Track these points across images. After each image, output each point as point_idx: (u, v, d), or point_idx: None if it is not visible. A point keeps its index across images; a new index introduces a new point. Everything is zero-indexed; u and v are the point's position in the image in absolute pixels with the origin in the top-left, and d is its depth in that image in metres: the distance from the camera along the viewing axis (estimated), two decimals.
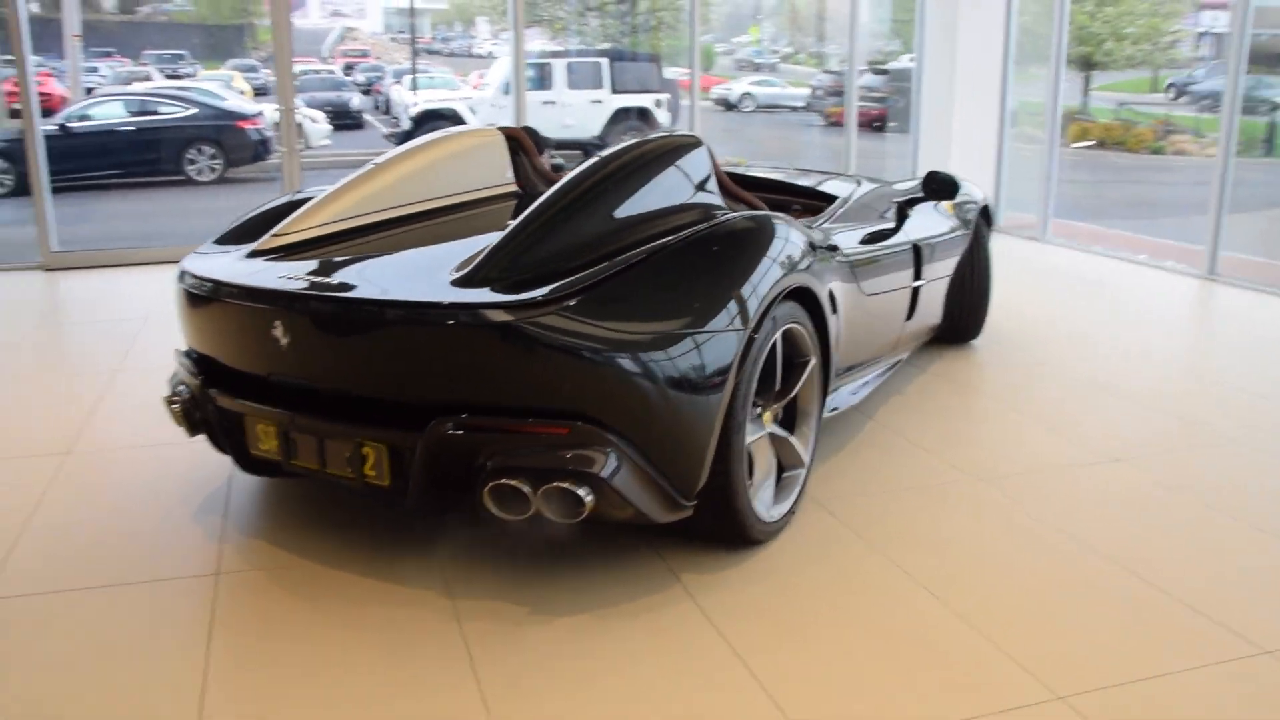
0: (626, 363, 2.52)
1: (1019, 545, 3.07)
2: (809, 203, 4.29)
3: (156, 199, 12.48)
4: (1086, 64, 15.29)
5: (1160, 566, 2.92)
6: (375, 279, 2.91)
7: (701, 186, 3.20)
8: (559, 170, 4.07)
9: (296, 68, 24.51)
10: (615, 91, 14.17)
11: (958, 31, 8.68)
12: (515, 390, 2.53)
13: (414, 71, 19.27)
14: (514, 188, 3.91)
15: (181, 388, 3.12)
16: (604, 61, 14.28)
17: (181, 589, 2.80)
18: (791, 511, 3.11)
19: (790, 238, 3.06)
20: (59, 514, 3.28)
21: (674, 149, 3.21)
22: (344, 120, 17.65)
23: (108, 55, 29.46)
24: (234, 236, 3.41)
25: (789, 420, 3.19)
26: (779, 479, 3.11)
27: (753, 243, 2.94)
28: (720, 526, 2.87)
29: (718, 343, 2.66)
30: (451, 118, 13.83)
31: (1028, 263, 7.75)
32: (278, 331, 2.69)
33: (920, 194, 4.47)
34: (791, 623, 2.62)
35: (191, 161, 12.85)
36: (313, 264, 2.98)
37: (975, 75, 8.76)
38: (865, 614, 2.67)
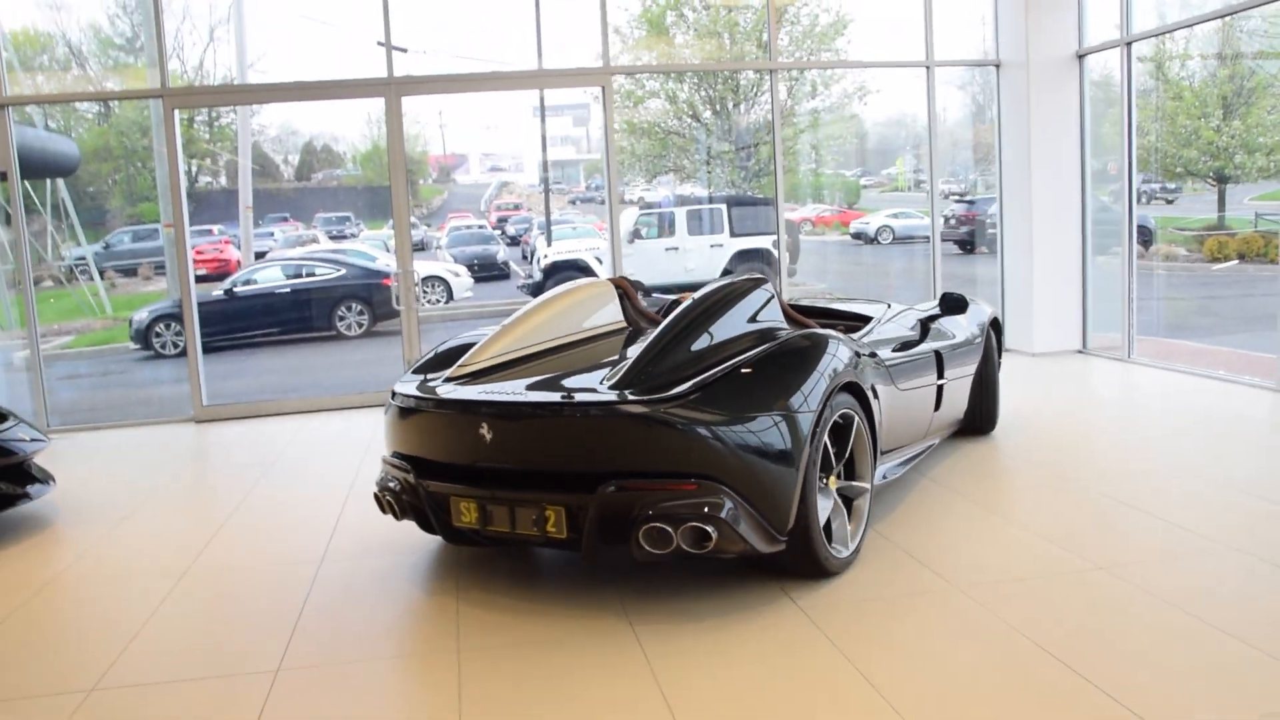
0: (732, 436, 3.60)
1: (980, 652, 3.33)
2: (850, 323, 5.29)
3: (309, 354, 13.72)
4: (1219, 178, 15.09)
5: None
6: (547, 388, 4.03)
7: (768, 314, 4.34)
8: (656, 310, 5.27)
9: (452, 223, 26.15)
10: (734, 235, 14.78)
11: (1031, 159, 8.87)
12: (655, 459, 3.60)
13: (548, 223, 20.47)
14: (623, 324, 5.04)
15: (393, 482, 4.16)
16: (723, 207, 14.94)
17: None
18: (855, 555, 4.13)
19: (838, 348, 4.14)
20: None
21: (746, 288, 4.35)
22: (490, 271, 18.83)
23: (284, 220, 32.31)
24: (420, 369, 4.57)
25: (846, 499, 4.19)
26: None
27: (813, 351, 4.02)
28: (803, 560, 3.88)
29: (795, 420, 3.74)
30: (579, 267, 14.69)
31: (1102, 381, 7.82)
32: (483, 430, 3.77)
33: (938, 310, 5.73)
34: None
35: (341, 318, 14.09)
36: (499, 384, 4.12)
37: (1050, 199, 8.90)
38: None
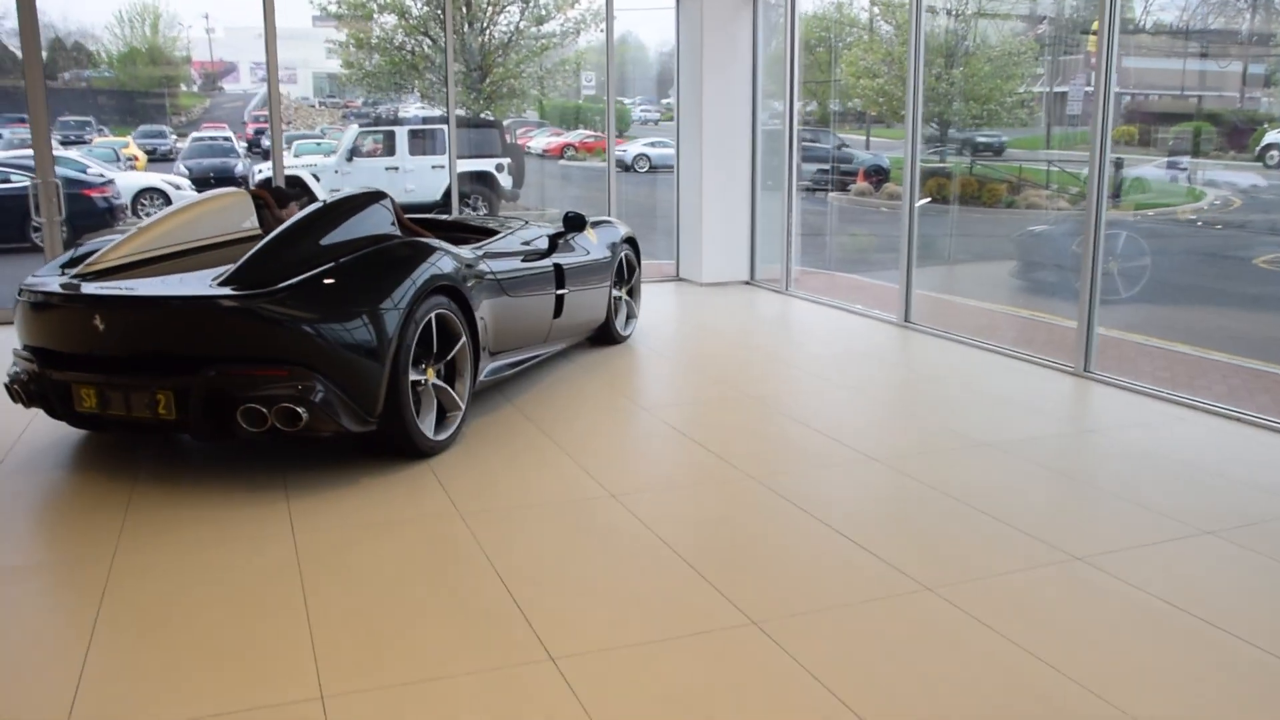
0: (322, 329, 4.07)
1: None
2: (479, 237, 5.81)
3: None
4: (941, 123, 15.92)
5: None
6: (162, 287, 4.31)
7: (382, 224, 4.78)
8: None
9: (194, 135, 24.44)
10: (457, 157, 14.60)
11: (703, 94, 9.10)
12: (251, 348, 4.05)
13: (257, 137, 19.66)
14: (257, 231, 5.17)
15: (21, 372, 4.44)
16: (444, 128, 14.71)
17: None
18: (451, 439, 4.66)
19: (440, 257, 4.62)
20: None
21: (363, 201, 4.80)
22: (228, 185, 17.91)
23: (20, 122, 29.54)
24: (60, 267, 4.74)
25: (450, 378, 4.73)
26: (444, 417, 4.67)
27: (410, 259, 4.48)
28: (397, 440, 4.39)
29: (381, 317, 4.21)
30: (296, 183, 14.16)
31: (739, 306, 8.25)
32: (96, 321, 4.08)
33: (562, 229, 6.24)
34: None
35: (36, 229, 13.10)
36: (119, 281, 4.39)
37: (720, 133, 9.20)
38: None
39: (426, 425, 4.53)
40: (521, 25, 15.96)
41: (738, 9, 9.03)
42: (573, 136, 20.64)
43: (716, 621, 3.04)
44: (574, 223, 6.33)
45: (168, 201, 15.23)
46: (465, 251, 5.05)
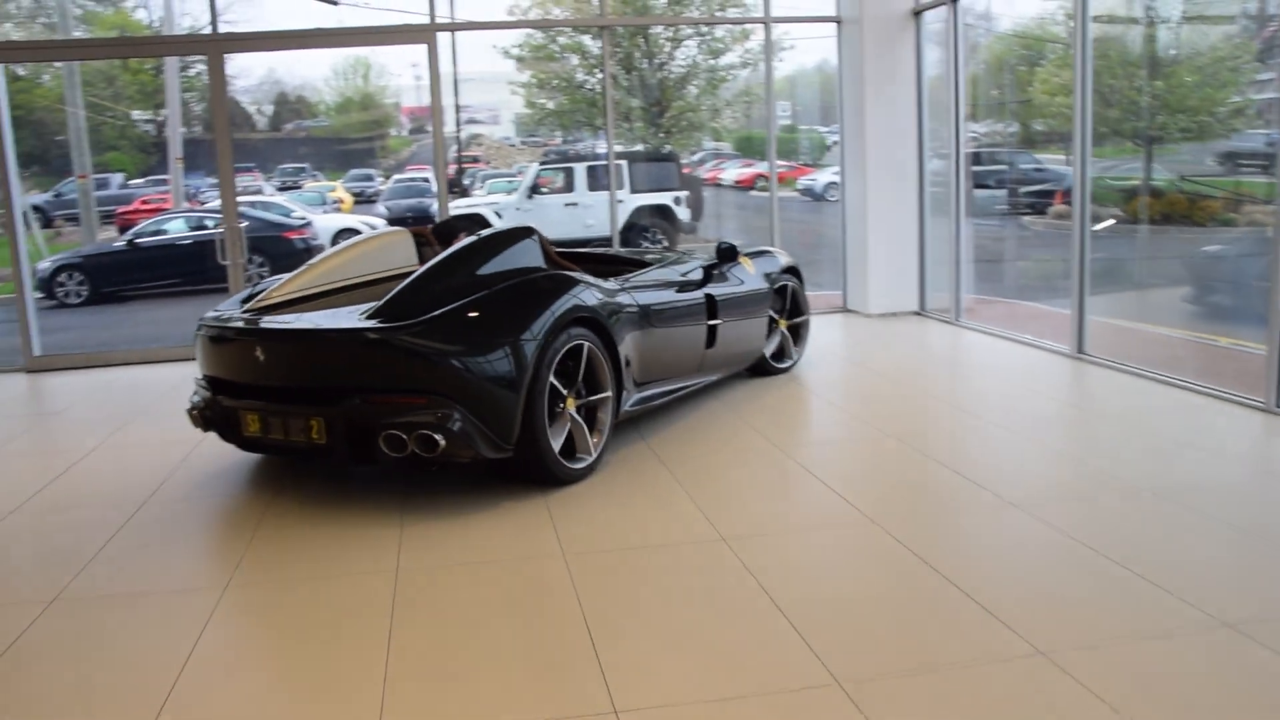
0: (458, 360, 4.22)
1: None
2: (629, 269, 5.89)
3: (204, 304, 13.75)
4: (1146, 139, 14.96)
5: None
6: (315, 320, 4.59)
7: (530, 258, 4.91)
8: None
9: (396, 176, 25.71)
10: (634, 191, 14.74)
11: (865, 118, 8.84)
12: (392, 378, 4.25)
13: (459, 177, 20.36)
14: (415, 267, 5.34)
15: (198, 399, 4.83)
16: (623, 164, 14.89)
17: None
18: (591, 467, 4.75)
19: (581, 290, 4.73)
20: None
21: (512, 235, 4.96)
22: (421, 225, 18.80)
23: (248, 170, 32.00)
24: (239, 302, 5.17)
25: (591, 408, 4.84)
26: (585, 445, 4.74)
27: (548, 291, 4.61)
28: (534, 468, 4.50)
29: (519, 348, 4.33)
30: (478, 221, 14.62)
31: (910, 339, 7.88)
32: (258, 353, 4.41)
33: (715, 259, 6.20)
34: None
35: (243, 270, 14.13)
36: (281, 315, 4.71)
37: (885, 158, 8.89)
38: None
39: (580, 453, 4.70)
40: (699, 59, 16.01)
41: (899, 30, 8.74)
42: (764, 167, 20.53)
43: (799, 679, 2.85)
44: (726, 253, 6.28)
45: None
46: (609, 284, 5.13)
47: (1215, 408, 5.60)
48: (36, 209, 20.74)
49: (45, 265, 13.83)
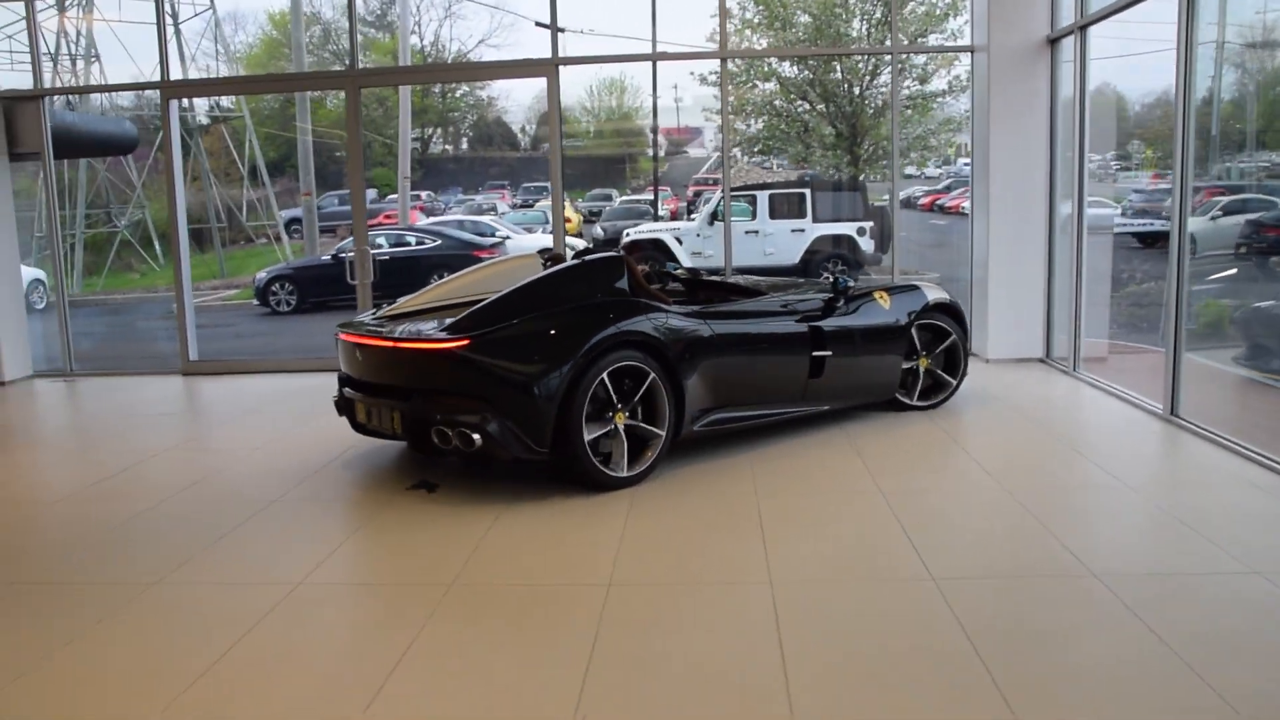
0: (498, 371, 4.86)
1: None
2: (739, 297, 6.25)
3: None
4: None
5: None
6: (411, 331, 5.21)
7: (612, 283, 5.39)
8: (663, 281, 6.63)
9: (623, 197, 26.52)
10: (816, 220, 14.49)
11: (990, 151, 8.33)
12: (447, 382, 4.94)
13: (654, 205, 20.64)
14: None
15: (335, 393, 5.75)
16: (806, 191, 14.67)
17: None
18: (642, 476, 5.21)
19: (637, 314, 5.21)
20: None
21: (597, 262, 5.52)
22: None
23: (499, 188, 33.93)
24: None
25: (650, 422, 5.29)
26: (639, 456, 5.23)
27: (599, 314, 5.13)
28: (575, 471, 5.05)
29: (554, 364, 4.89)
30: (658, 246, 14.89)
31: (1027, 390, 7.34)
32: (358, 355, 5.29)
33: (831, 294, 6.36)
34: None
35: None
36: (392, 324, 5.43)
37: (1009, 195, 8.35)
38: None
39: (616, 463, 5.15)
40: (904, 86, 15.55)
41: (1032, 60, 8.18)
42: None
43: None
44: (839, 288, 6.41)
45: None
46: (681, 311, 5.52)
47: None
48: (294, 221, 23.02)
49: (261, 276, 15.36)
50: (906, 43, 15.64)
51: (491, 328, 4.95)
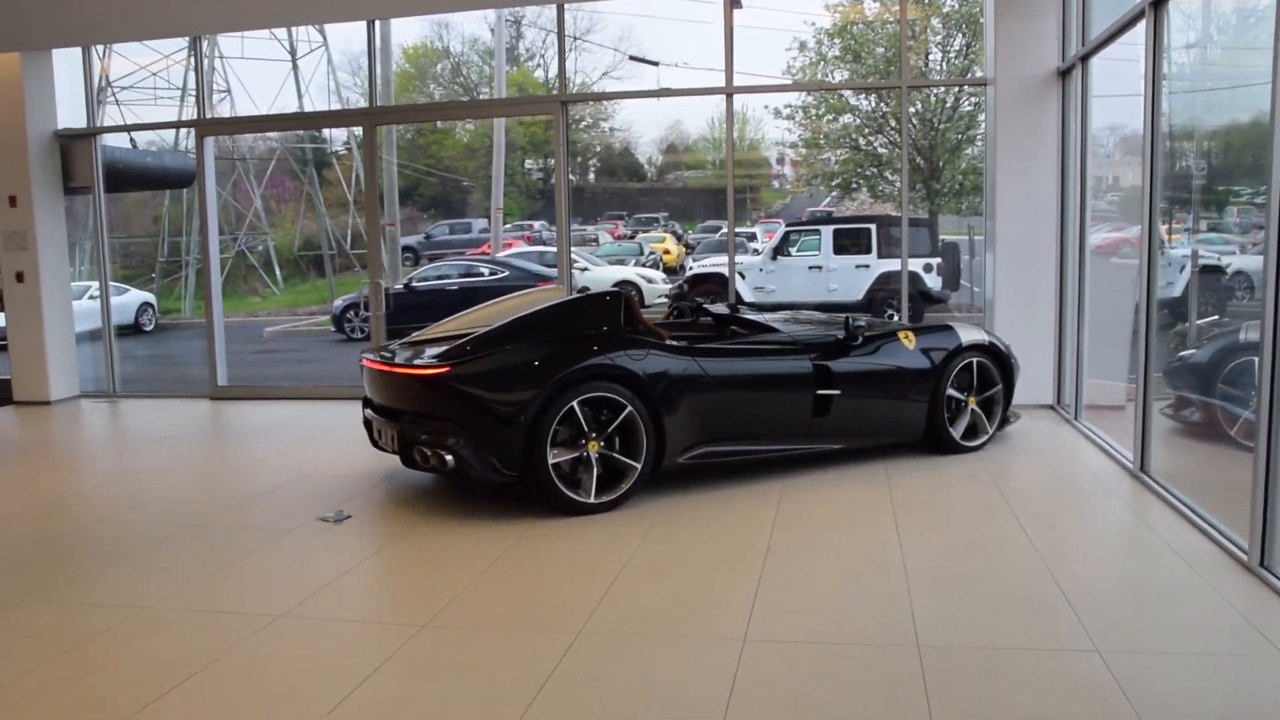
0: (469, 398, 5.18)
1: None
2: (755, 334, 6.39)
3: None
4: None
5: None
6: (407, 358, 5.53)
7: (608, 320, 5.57)
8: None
9: (722, 230, 26.38)
10: (881, 256, 14.10)
11: (996, 186, 7.94)
12: (428, 407, 5.32)
13: (730, 232, 20.38)
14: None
15: (363, 414, 6.09)
16: (871, 227, 14.28)
17: None
18: (615, 503, 5.39)
19: (613, 350, 5.39)
20: None
21: (593, 298, 5.71)
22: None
23: (618, 218, 34.24)
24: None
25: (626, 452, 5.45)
26: (609, 485, 5.41)
27: (572, 348, 5.34)
28: (546, 496, 5.27)
29: (522, 394, 5.16)
30: (719, 280, 14.72)
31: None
32: (376, 380, 5.68)
33: (841, 334, 6.33)
34: None
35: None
36: (402, 351, 5.81)
37: (1016, 233, 7.95)
38: None
39: (585, 489, 5.35)
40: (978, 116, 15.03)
41: (1039, 93, 7.79)
42: (1134, 233, 18.80)
43: None
44: (851, 326, 6.39)
45: (639, 291, 16.73)
46: (668, 346, 5.67)
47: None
48: (408, 249, 23.83)
49: (338, 303, 15.88)
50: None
51: (473, 357, 5.27)
